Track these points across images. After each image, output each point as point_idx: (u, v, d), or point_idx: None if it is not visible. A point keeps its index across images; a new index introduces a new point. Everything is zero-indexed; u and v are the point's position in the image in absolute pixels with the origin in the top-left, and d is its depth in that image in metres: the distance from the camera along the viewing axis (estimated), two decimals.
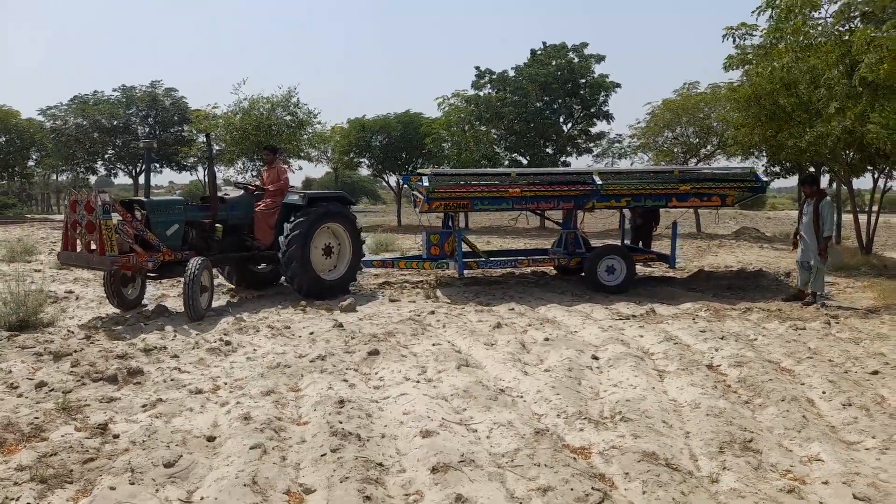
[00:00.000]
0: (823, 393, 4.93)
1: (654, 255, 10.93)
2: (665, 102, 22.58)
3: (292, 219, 8.63)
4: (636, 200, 10.02)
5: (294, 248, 8.44)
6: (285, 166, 10.06)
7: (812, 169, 15.85)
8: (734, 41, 10.15)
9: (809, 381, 5.22)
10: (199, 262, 7.50)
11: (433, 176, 9.48)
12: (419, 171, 10.62)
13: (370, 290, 9.72)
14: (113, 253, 7.08)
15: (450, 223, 10.48)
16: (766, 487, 3.41)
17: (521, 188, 9.58)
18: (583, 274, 10.12)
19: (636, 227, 11.84)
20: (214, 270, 8.31)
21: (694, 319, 7.55)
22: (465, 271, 9.96)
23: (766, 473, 3.59)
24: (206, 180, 8.75)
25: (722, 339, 6.43)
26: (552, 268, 11.46)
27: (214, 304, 8.37)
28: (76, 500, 3.27)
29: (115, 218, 7.28)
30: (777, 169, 18.71)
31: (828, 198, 8.73)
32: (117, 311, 7.81)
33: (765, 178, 10.15)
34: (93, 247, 7.27)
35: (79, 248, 7.47)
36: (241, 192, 9.15)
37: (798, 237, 8.86)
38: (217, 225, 8.73)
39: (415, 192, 10.43)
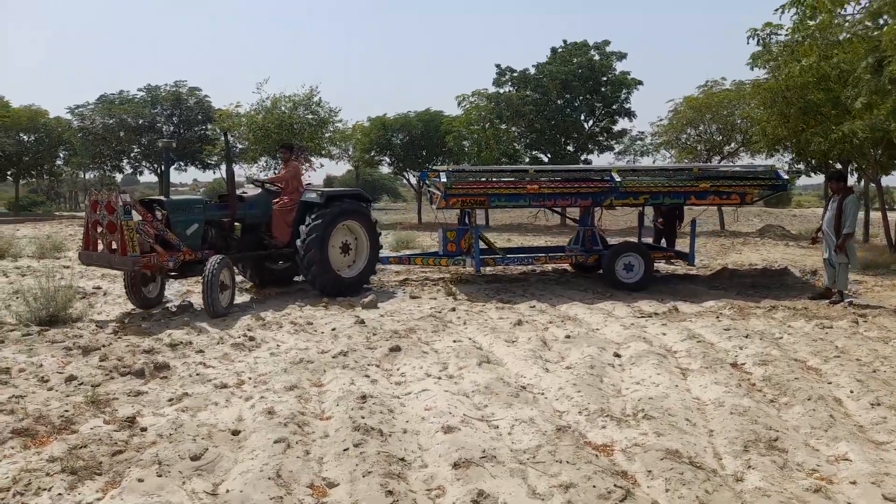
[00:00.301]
0: (851, 392, 4.85)
1: (672, 253, 10.84)
2: (688, 100, 22.33)
3: (308, 220, 8.65)
4: (654, 198, 9.95)
5: (312, 251, 8.48)
6: (300, 164, 10.08)
7: (839, 166, 15.57)
8: (758, 42, 10.01)
9: (837, 380, 5.14)
10: (219, 260, 7.54)
11: (451, 172, 9.48)
12: (435, 167, 10.65)
13: (391, 287, 9.76)
14: (135, 253, 7.12)
15: (466, 220, 10.47)
16: (791, 487, 3.36)
17: (540, 185, 9.54)
18: (600, 271, 10.06)
19: (657, 225, 11.73)
20: (235, 269, 8.34)
21: (717, 317, 7.46)
22: (482, 268, 9.96)
23: (791, 473, 3.55)
24: (225, 178, 8.70)
25: (746, 337, 6.35)
26: (569, 265, 11.40)
27: (238, 300, 8.48)
28: (105, 491, 3.34)
29: (136, 218, 7.33)
30: (802, 166, 18.41)
31: (853, 195, 8.58)
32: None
33: (786, 177, 9.99)
34: (114, 247, 7.32)
35: (100, 248, 7.53)
36: (259, 190, 9.16)
37: (819, 233, 8.72)
38: (236, 223, 8.77)
39: (431, 189, 10.43)
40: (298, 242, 8.61)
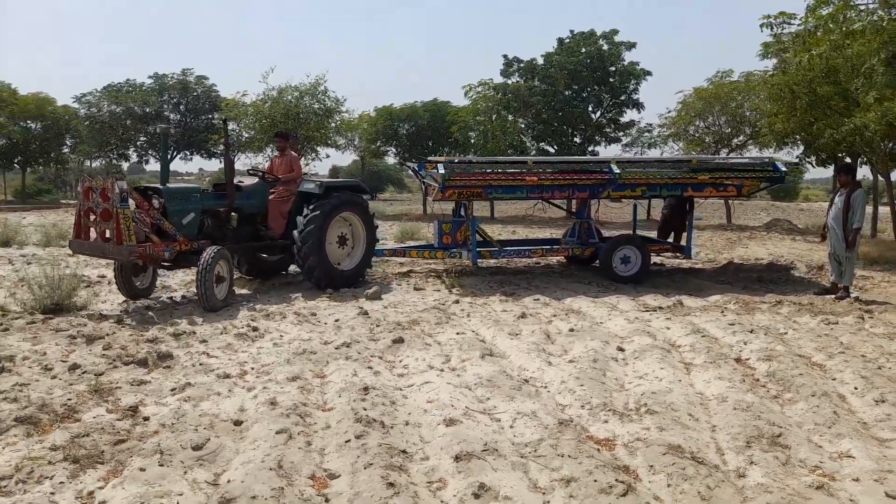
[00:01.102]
0: (855, 388, 4.82)
1: (669, 246, 10.82)
2: (697, 91, 22.15)
3: (305, 212, 8.47)
4: (651, 190, 9.94)
5: (310, 244, 8.31)
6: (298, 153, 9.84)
7: (848, 159, 15.44)
8: (772, 29, 9.91)
9: (841, 377, 5.11)
10: (214, 251, 7.33)
11: (449, 163, 9.35)
12: (431, 158, 10.55)
13: (395, 278, 9.75)
14: (131, 242, 6.91)
15: (462, 212, 10.34)
16: (794, 483, 3.35)
17: (539, 177, 9.48)
18: (596, 264, 10.01)
19: (665, 218, 11.66)
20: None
21: (722, 312, 7.43)
22: (479, 261, 9.90)
23: (794, 469, 3.53)
24: (224, 167, 8.48)
25: (751, 332, 6.32)
26: (563, 258, 11.28)
27: (241, 291, 8.49)
28: (107, 480, 3.35)
29: (132, 206, 7.10)
30: (812, 160, 18.27)
31: (861, 189, 8.49)
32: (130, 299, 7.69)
33: (784, 168, 9.94)
34: (108, 235, 7.08)
35: (92, 237, 7.31)
36: (256, 179, 8.92)
37: (826, 228, 8.64)
38: (232, 213, 8.56)
39: (426, 180, 10.29)
40: (296, 234, 8.45)
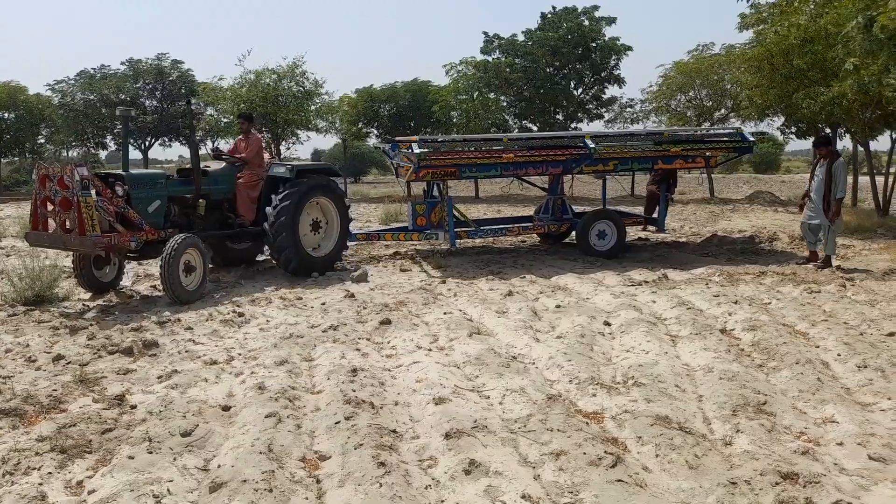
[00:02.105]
0: (838, 355, 4.90)
1: (642, 219, 10.95)
2: (678, 65, 22.12)
3: (277, 197, 8.07)
4: (623, 164, 10.03)
5: (282, 231, 7.93)
6: (261, 136, 9.36)
7: (828, 130, 15.56)
8: (748, 0, 9.90)
9: (824, 344, 5.19)
10: (181, 239, 6.87)
11: (423, 142, 9.13)
12: (402, 138, 10.40)
13: (381, 260, 9.71)
14: (95, 233, 6.47)
15: (434, 192, 10.13)
16: (780, 449, 3.40)
17: (515, 154, 9.44)
18: (569, 239, 10.05)
19: (651, 193, 11.72)
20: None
21: (707, 284, 7.50)
22: (457, 241, 9.70)
23: (779, 436, 3.58)
24: (189, 151, 8.02)
25: (735, 303, 6.39)
26: (537, 235, 11.22)
27: (225, 277, 8.40)
28: (96, 469, 3.33)
29: (94, 194, 6.60)
30: (793, 130, 18.39)
31: (841, 159, 8.59)
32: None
33: (752, 139, 10.09)
34: (68, 226, 6.65)
35: (51, 228, 6.85)
36: (223, 164, 8.42)
37: (807, 199, 8.71)
38: (200, 200, 8.03)
39: (395, 160, 10.09)
40: (269, 209, 8.03)
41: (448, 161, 9.28)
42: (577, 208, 11.33)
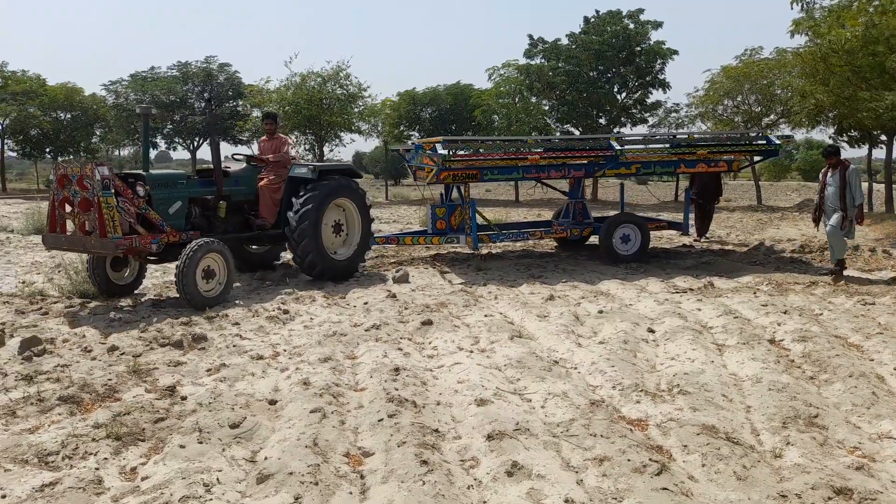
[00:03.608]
0: (894, 370, 4.73)
1: (665, 224, 10.83)
2: (725, 69, 21.67)
3: (302, 192, 7.88)
4: (646, 167, 9.99)
5: (305, 234, 7.73)
6: (287, 136, 9.03)
7: (884, 137, 15.03)
8: (802, 6, 9.67)
9: (879, 357, 5.02)
10: (200, 244, 6.60)
11: (447, 143, 8.97)
12: (426, 139, 10.41)
13: (422, 262, 9.76)
14: (116, 235, 6.24)
15: (451, 195, 10.01)
16: (832, 464, 3.30)
17: (540, 155, 9.38)
18: (589, 244, 9.94)
19: (696, 198, 11.56)
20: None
21: (755, 293, 7.32)
22: (480, 245, 9.56)
23: (832, 450, 3.48)
24: (210, 151, 7.94)
25: (784, 313, 6.22)
26: (552, 240, 10.97)
27: (272, 274, 8.54)
28: (148, 456, 3.44)
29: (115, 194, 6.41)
30: (845, 139, 17.81)
31: (853, 167, 8.48)
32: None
33: (777, 142, 9.96)
34: (88, 228, 6.46)
35: (69, 230, 6.68)
36: (244, 164, 8.26)
37: (821, 211, 8.50)
38: (221, 201, 7.77)
39: (414, 163, 10.00)
40: (290, 214, 7.83)
41: (471, 163, 9.24)
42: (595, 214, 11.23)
